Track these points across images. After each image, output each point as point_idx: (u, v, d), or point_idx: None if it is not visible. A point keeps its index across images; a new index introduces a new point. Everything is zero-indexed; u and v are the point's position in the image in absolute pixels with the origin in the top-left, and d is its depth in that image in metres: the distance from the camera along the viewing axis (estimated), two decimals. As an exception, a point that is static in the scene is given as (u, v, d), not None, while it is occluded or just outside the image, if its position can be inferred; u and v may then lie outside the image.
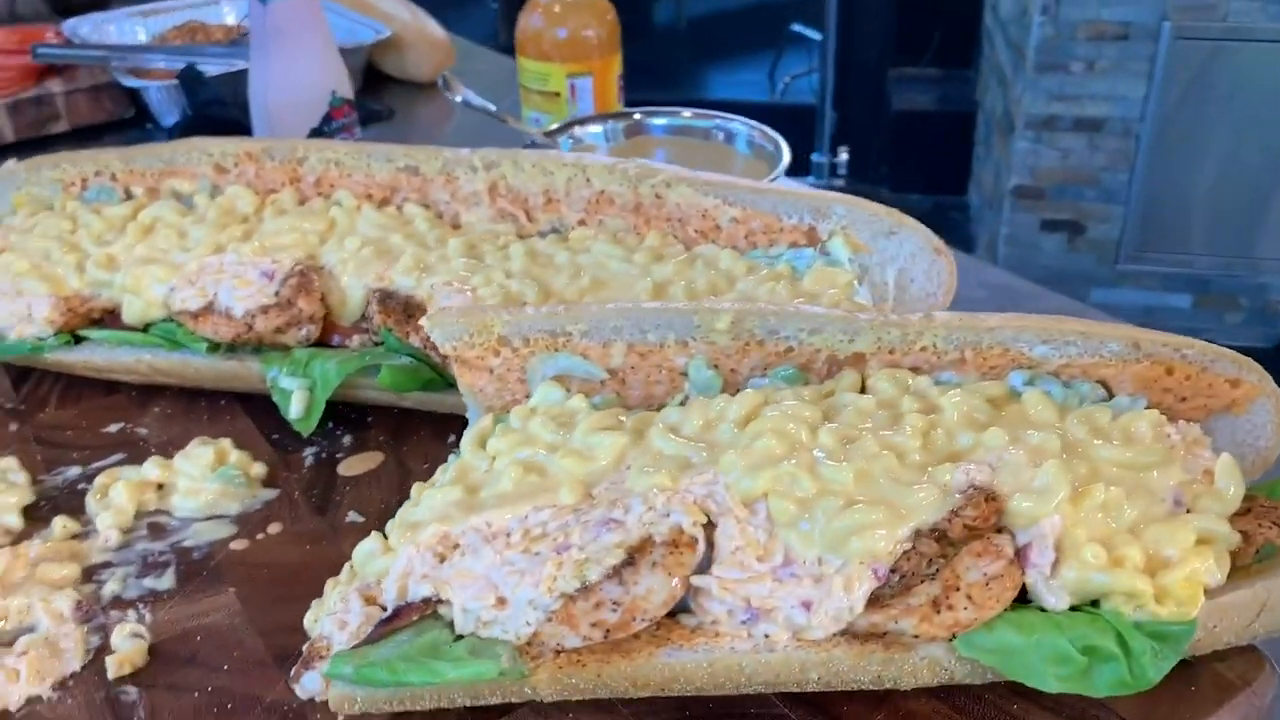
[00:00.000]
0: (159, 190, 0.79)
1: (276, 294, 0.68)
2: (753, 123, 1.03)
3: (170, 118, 1.28)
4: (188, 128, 1.27)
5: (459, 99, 1.06)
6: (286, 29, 0.92)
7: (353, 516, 0.60)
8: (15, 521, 0.59)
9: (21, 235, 0.74)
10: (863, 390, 0.54)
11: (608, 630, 0.46)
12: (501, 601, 0.46)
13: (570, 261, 0.69)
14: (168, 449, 0.65)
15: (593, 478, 0.50)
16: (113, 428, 0.67)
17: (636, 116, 1.06)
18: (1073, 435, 0.50)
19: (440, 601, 0.47)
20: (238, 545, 0.58)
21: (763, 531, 0.47)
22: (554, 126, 1.03)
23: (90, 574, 0.56)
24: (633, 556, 0.46)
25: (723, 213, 0.71)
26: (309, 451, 0.65)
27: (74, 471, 0.63)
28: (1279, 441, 0.55)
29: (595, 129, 1.04)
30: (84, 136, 1.33)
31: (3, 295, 0.70)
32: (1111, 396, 0.54)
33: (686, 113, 1.06)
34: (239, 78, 1.28)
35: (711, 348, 0.56)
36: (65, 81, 1.32)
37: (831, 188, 3.23)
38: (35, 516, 0.60)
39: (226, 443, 0.63)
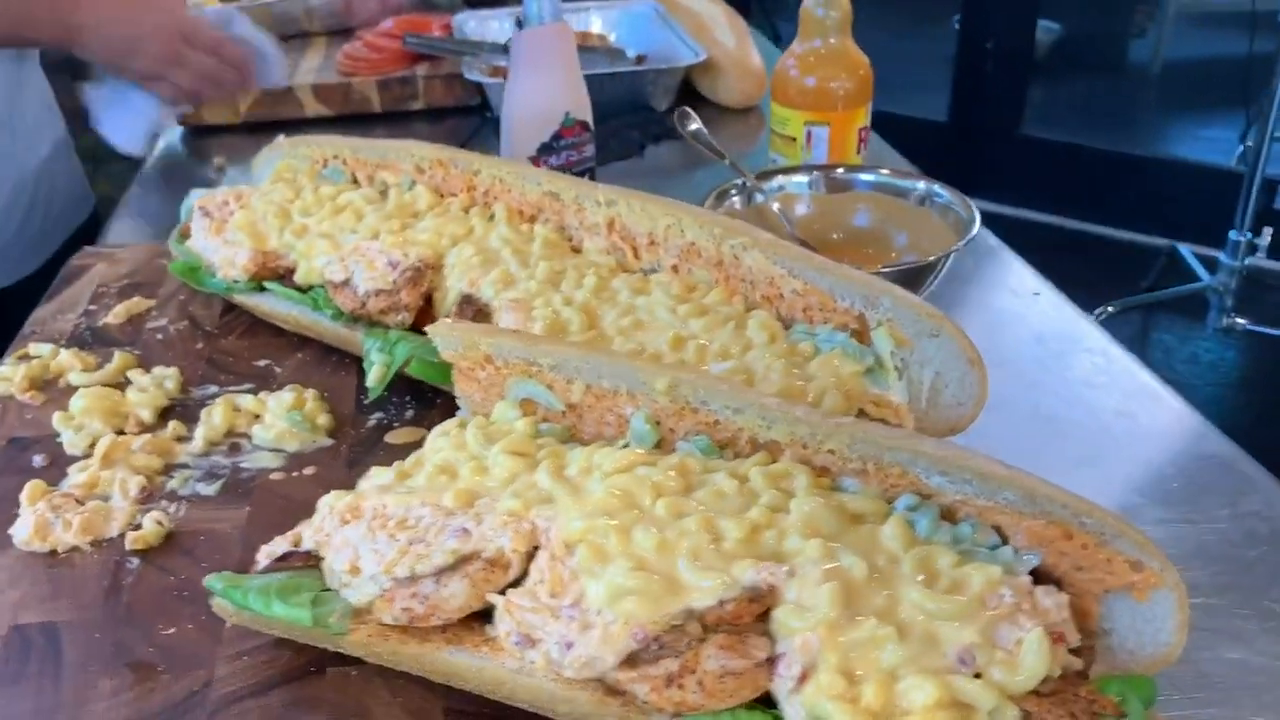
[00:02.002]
0: (373, 179, 0.95)
1: (393, 282, 0.80)
2: (950, 189, 1.02)
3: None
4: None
5: (692, 127, 1.14)
6: (533, 54, 1.05)
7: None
8: (148, 416, 0.76)
9: (259, 196, 0.93)
10: (767, 476, 0.57)
11: (412, 617, 0.53)
12: (355, 570, 0.55)
13: (628, 301, 0.75)
14: (289, 385, 0.80)
15: (481, 491, 0.57)
16: (261, 363, 0.84)
17: (840, 171, 1.08)
18: (899, 568, 0.49)
19: (321, 558, 0.57)
20: (276, 476, 0.71)
21: (569, 572, 0.52)
22: (765, 170, 1.08)
23: (169, 469, 0.72)
24: (457, 564, 0.53)
25: (786, 283, 0.74)
26: (375, 417, 0.77)
27: (212, 389, 0.80)
28: (1181, 640, 0.50)
29: (801, 179, 1.08)
30: (434, 116, 1.56)
31: (226, 242, 0.89)
32: (1005, 543, 0.52)
33: (886, 171, 1.06)
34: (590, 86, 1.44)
35: (654, 405, 0.61)
36: (430, 68, 1.56)
37: (1246, 271, 2.89)
38: (166, 416, 0.77)
39: (311, 392, 0.77)
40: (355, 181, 0.95)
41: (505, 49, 1.10)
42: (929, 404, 0.70)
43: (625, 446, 0.61)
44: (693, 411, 0.60)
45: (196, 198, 0.95)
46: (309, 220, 0.89)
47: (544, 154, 1.07)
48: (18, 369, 0.81)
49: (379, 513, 0.57)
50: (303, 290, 0.86)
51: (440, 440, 0.62)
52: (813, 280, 0.73)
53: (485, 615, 0.54)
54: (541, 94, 1.06)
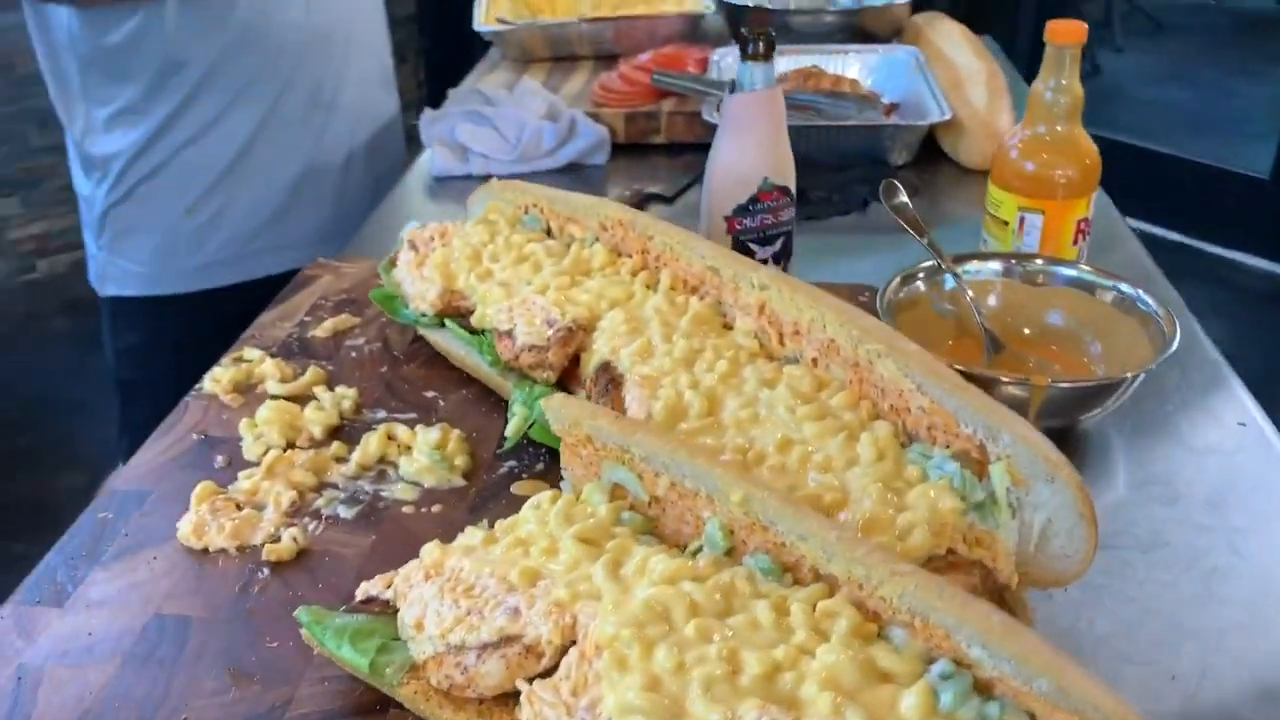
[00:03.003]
0: (564, 231, 1.00)
1: (546, 339, 0.85)
2: (1154, 298, 0.95)
3: (729, 153, 1.50)
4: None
5: (896, 200, 1.12)
6: (739, 119, 1.07)
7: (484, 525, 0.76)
8: (318, 433, 0.85)
9: (460, 236, 1.00)
10: (818, 609, 0.56)
11: (453, 685, 0.57)
12: (420, 626, 0.60)
13: (752, 392, 0.76)
14: (445, 421, 0.87)
15: (544, 572, 0.61)
16: (429, 394, 0.91)
17: (1040, 263, 1.03)
18: (905, 742, 0.48)
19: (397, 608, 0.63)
20: (407, 509, 0.78)
21: (593, 674, 0.54)
22: (962, 255, 1.05)
23: (321, 487, 0.80)
24: (500, 643, 0.57)
25: (914, 398, 0.72)
26: (508, 464, 0.82)
27: (381, 414, 0.88)
28: None
29: (996, 266, 1.04)
30: (674, 150, 1.60)
31: (423, 277, 0.97)
32: (1038, 734, 0.50)
33: (1089, 268, 1.00)
34: (802, 137, 1.45)
35: (729, 513, 0.62)
36: (675, 104, 1.61)
37: None
38: (336, 435, 0.86)
39: (456, 433, 0.83)
40: (549, 232, 1.01)
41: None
42: (1038, 550, 0.67)
43: (699, 550, 0.62)
44: (762, 529, 0.60)
45: (410, 229, 1.04)
46: (495, 266, 0.95)
47: (739, 215, 1.09)
48: (228, 371, 0.92)
49: (455, 574, 0.62)
50: (476, 332, 0.92)
51: (529, 511, 0.66)
52: (939, 400, 0.71)
53: (519, 697, 0.58)
54: (742, 157, 1.08)
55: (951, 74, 1.61)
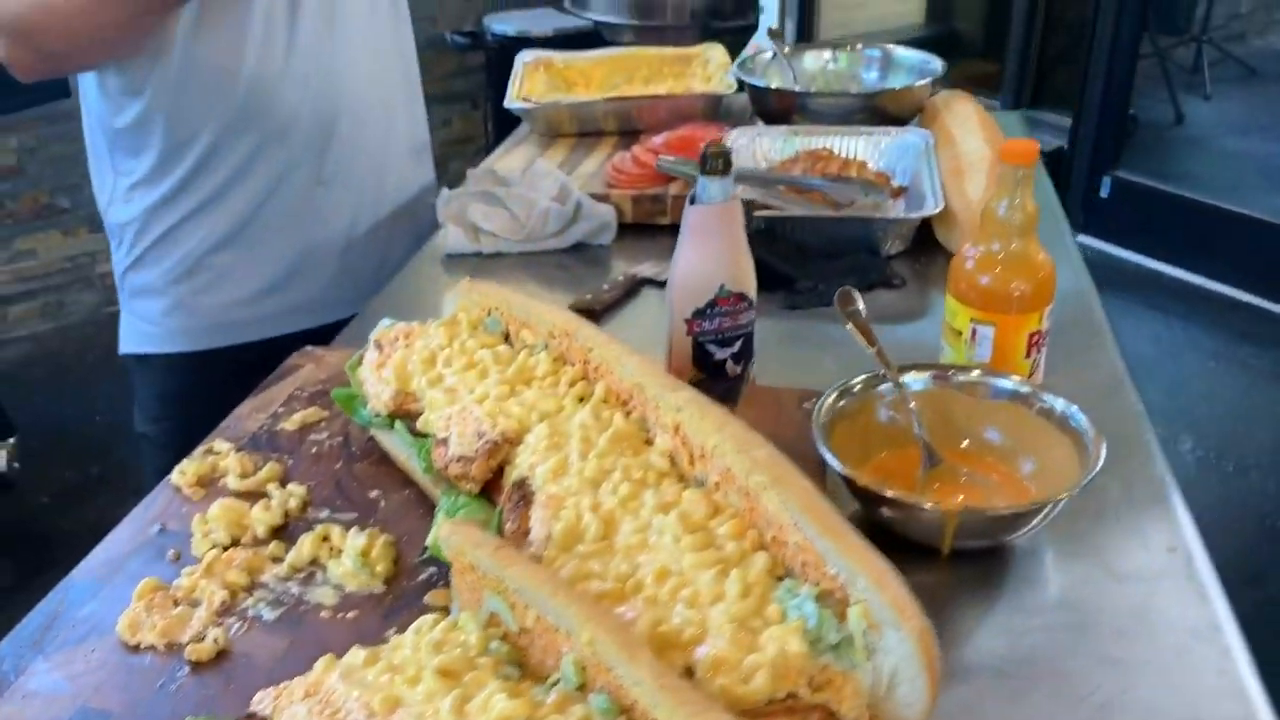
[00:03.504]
0: (519, 336, 1.05)
1: (475, 451, 0.90)
2: (1088, 419, 0.96)
3: (726, 239, 1.54)
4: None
5: (851, 308, 1.15)
6: (697, 229, 1.11)
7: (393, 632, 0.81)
8: (262, 533, 0.91)
9: (422, 338, 1.06)
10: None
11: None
12: (284, 744, 0.65)
13: (647, 518, 0.80)
14: (382, 523, 0.92)
15: (404, 702, 0.65)
16: (373, 493, 0.97)
17: (977, 374, 1.05)
18: None
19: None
20: (325, 614, 0.83)
21: (419, 809, 0.59)
22: (908, 365, 1.07)
23: (253, 587, 0.86)
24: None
25: (791, 533, 0.76)
26: (428, 572, 0.87)
27: (325, 514, 0.94)
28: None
29: (921, 376, 1.06)
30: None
31: (382, 378, 1.03)
32: None
33: (1025, 384, 1.02)
34: (796, 226, 1.49)
35: (580, 651, 0.66)
36: (681, 187, 1.66)
37: None
38: (280, 533, 0.92)
39: (384, 538, 0.89)
40: (506, 337, 1.07)
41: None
42: (887, 694, 0.69)
43: (557, 683, 0.67)
44: (605, 669, 0.64)
45: (379, 329, 1.10)
46: (447, 370, 1.01)
47: (698, 318, 1.13)
48: (194, 464, 1.00)
49: (328, 694, 0.67)
50: (422, 436, 0.98)
51: (410, 635, 0.71)
52: (811, 539, 0.74)
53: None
54: (700, 265, 1.12)
55: (953, 161, 1.62)
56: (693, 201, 1.11)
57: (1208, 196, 4.24)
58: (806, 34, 5.56)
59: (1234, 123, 5.58)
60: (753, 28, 4.04)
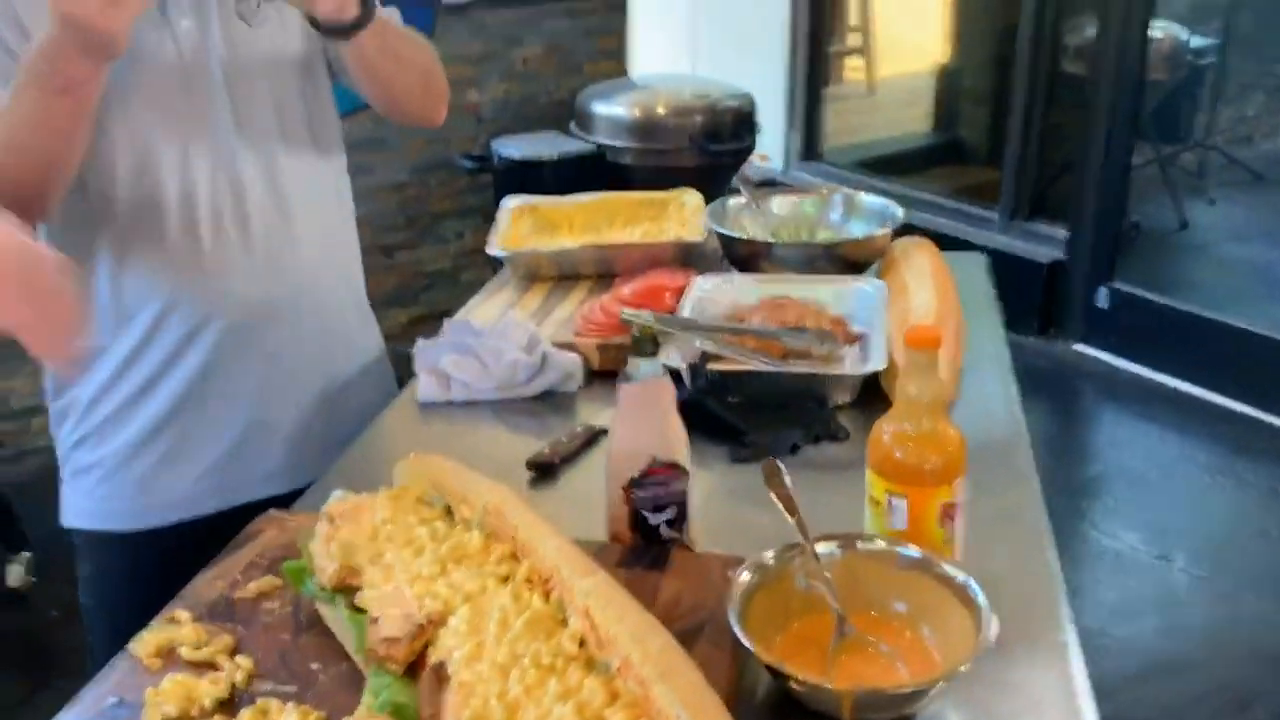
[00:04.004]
0: (458, 512, 1.13)
1: (401, 632, 0.98)
2: (980, 593, 1.03)
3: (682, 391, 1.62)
4: (681, 405, 1.59)
5: (778, 479, 1.22)
6: (630, 404, 1.20)
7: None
8: (208, 705, 0.98)
9: (369, 512, 1.14)
10: None
11: None
12: None
13: (550, 704, 0.86)
14: (318, 698, 0.99)
15: None
16: (314, 665, 1.04)
17: (881, 543, 1.12)
18: None
19: None
20: (256, 793, 0.90)
21: None
22: (828, 535, 1.14)
23: (193, 762, 0.93)
24: None
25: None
26: (355, 749, 0.94)
27: (267, 686, 1.01)
28: None
29: (834, 546, 1.13)
30: (642, 381, 1.73)
31: (329, 552, 1.11)
32: None
33: (924, 556, 1.09)
34: (746, 379, 1.57)
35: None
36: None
37: None
38: (224, 707, 0.99)
39: (315, 715, 0.96)
40: (448, 511, 1.15)
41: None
42: None
43: None
44: None
45: (331, 502, 1.19)
46: (388, 546, 1.09)
47: (634, 486, 1.21)
48: (155, 634, 1.07)
49: None
50: (360, 612, 1.05)
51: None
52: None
53: None
54: (633, 438, 1.20)
55: (904, 314, 1.71)
56: (626, 380, 1.20)
57: (1207, 306, 4.30)
58: (811, 149, 5.72)
59: (1237, 229, 5.66)
60: (750, 149, 4.19)
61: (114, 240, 1.52)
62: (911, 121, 6.35)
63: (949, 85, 6.08)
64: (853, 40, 6.34)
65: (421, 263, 4.40)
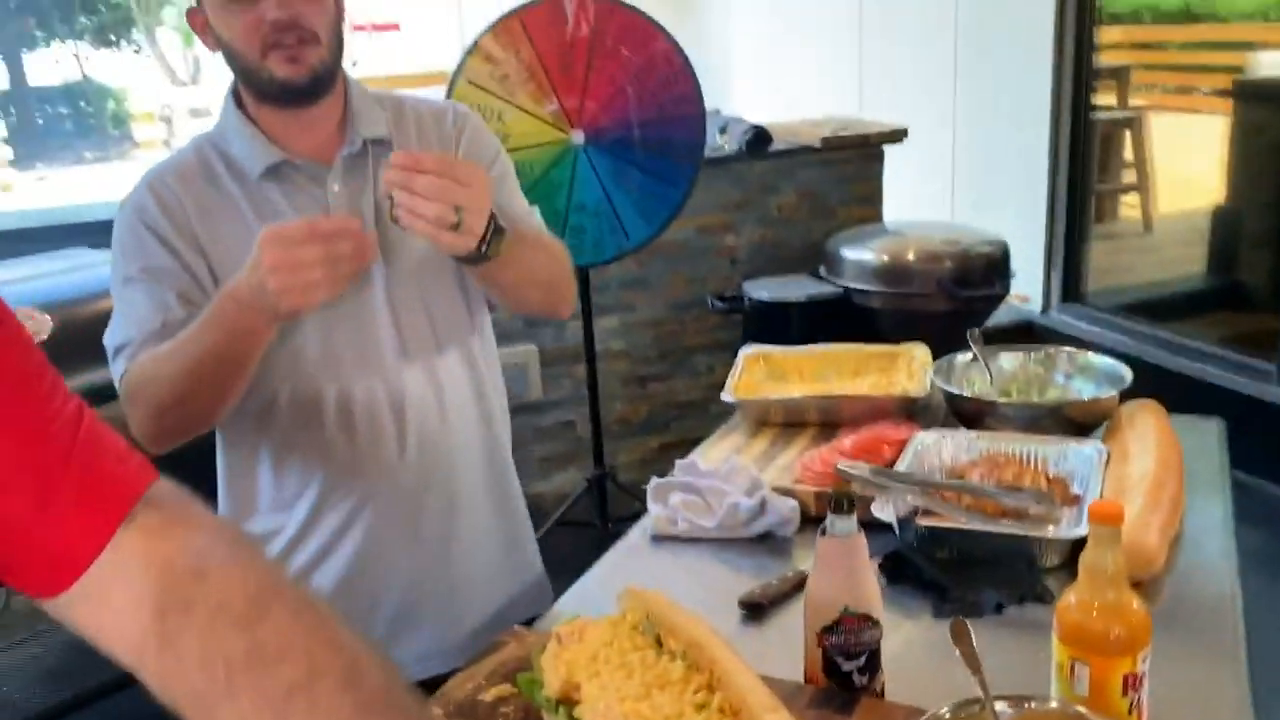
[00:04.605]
0: (666, 642, 1.29)
1: (608, 744, 1.13)
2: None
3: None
4: (891, 557, 1.68)
5: (960, 639, 1.30)
6: (825, 557, 1.33)
7: None
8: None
9: (593, 633, 1.31)
10: None
11: None
12: None
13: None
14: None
15: None
16: (536, 767, 1.21)
17: (1054, 706, 1.17)
18: None
19: None
20: None
21: None
22: (1003, 694, 1.21)
23: (431, 837, 1.11)
24: None
25: None
26: (562, 842, 1.09)
27: (496, 780, 1.19)
28: None
29: (1011, 708, 1.19)
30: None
31: (555, 669, 1.29)
32: None
33: (1093, 716, 1.13)
34: (957, 535, 1.65)
35: None
36: (860, 488, 1.85)
37: None
38: (459, 793, 1.17)
39: (531, 811, 1.12)
40: (658, 640, 1.30)
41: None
42: None
43: None
44: None
45: (561, 623, 1.37)
46: (604, 668, 1.25)
47: (827, 633, 1.33)
48: (410, 725, 1.28)
49: None
50: (578, 723, 1.22)
51: None
52: None
53: None
54: (827, 589, 1.32)
55: (1120, 481, 1.74)
56: (823, 533, 1.33)
57: None
58: (1073, 291, 5.62)
59: None
60: (1001, 296, 4.20)
61: (275, 438, 1.65)
62: (1185, 263, 6.11)
63: (1228, 226, 5.83)
64: (1127, 177, 6.21)
65: (674, 393, 4.64)
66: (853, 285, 4.16)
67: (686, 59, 3.64)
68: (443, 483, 1.74)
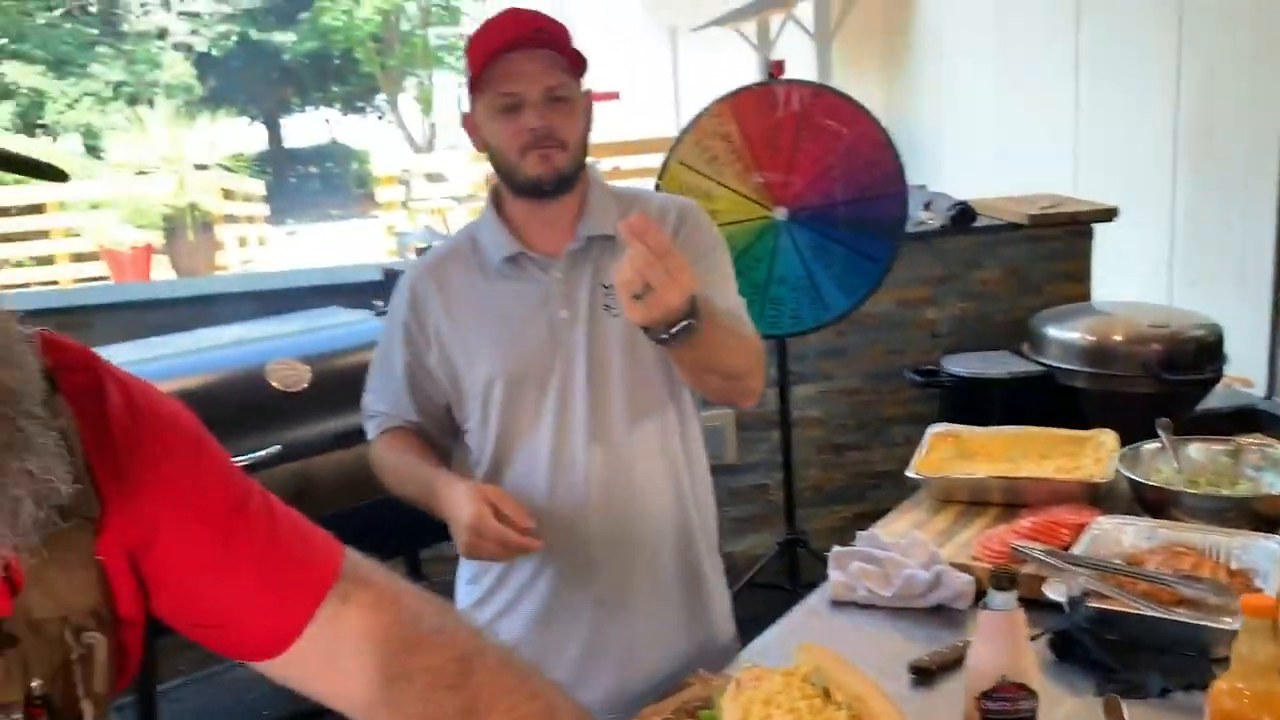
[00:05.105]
0: (834, 692, 1.42)
1: (774, 778, 1.28)
2: None
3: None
4: (1060, 635, 1.75)
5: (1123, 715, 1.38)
6: (985, 629, 1.44)
7: None
8: (632, 806, 1.34)
9: (769, 681, 1.47)
10: None
11: None
12: None
13: None
14: (711, 818, 1.31)
15: None
16: (711, 794, 1.37)
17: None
18: None
19: None
20: None
21: None
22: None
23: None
24: None
25: None
26: None
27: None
28: None
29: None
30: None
31: (730, 711, 1.44)
32: None
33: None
34: (1128, 619, 1.70)
35: None
36: (1036, 569, 1.93)
37: None
38: (643, 809, 1.34)
39: (705, 830, 1.28)
40: (826, 692, 1.44)
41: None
42: None
43: None
44: None
45: (741, 669, 1.53)
46: (775, 712, 1.40)
47: (985, 698, 1.44)
48: (603, 748, 1.46)
49: None
50: (747, 760, 1.37)
51: None
52: None
53: None
54: (986, 657, 1.43)
55: (1301, 575, 1.75)
56: (985, 606, 1.44)
57: None
58: (1302, 381, 5.34)
59: None
60: (1212, 380, 4.09)
61: None
62: None
63: None
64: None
65: (869, 463, 4.71)
66: (1056, 364, 4.14)
67: (890, 139, 3.78)
68: (625, 550, 1.90)
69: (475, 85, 1.80)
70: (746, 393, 1.92)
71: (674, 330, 1.61)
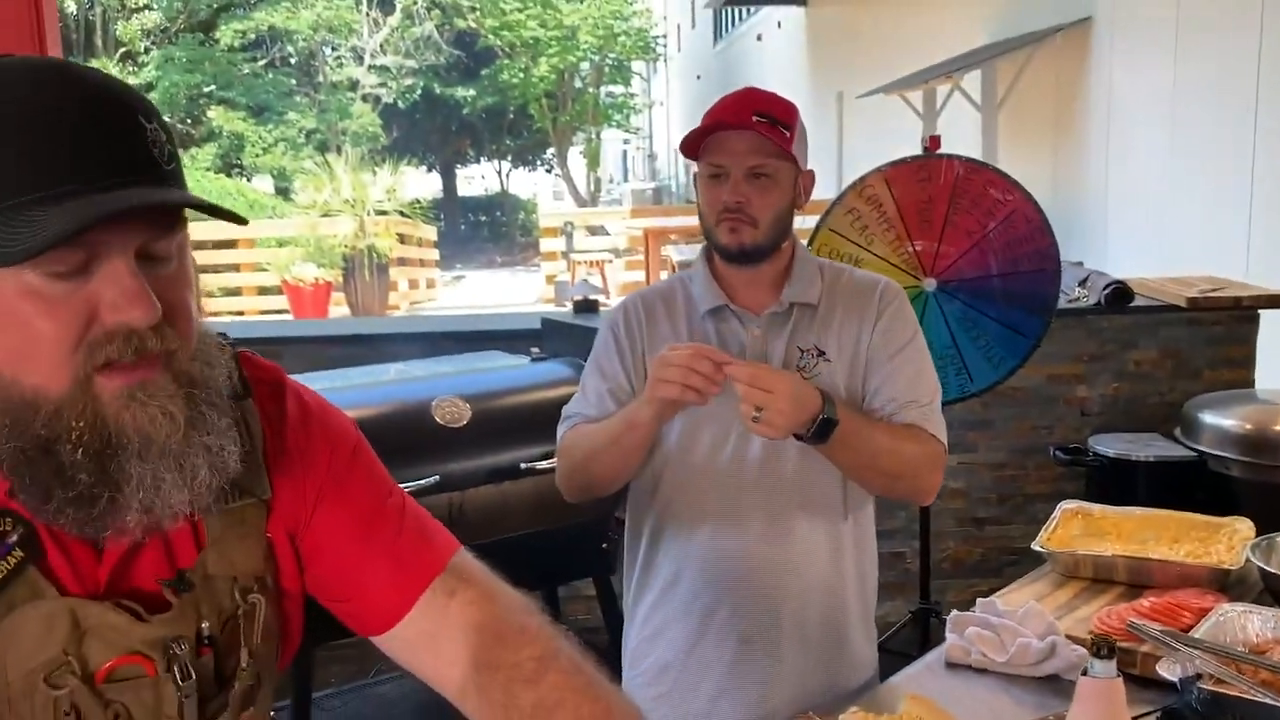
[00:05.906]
0: (932, 741, 1.50)
1: (867, 812, 1.37)
2: None
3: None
4: (1169, 712, 1.77)
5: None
6: (1082, 693, 1.50)
7: None
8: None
9: None
10: None
11: None
12: None
13: None
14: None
15: None
16: (808, 824, 1.46)
17: None
18: None
19: None
20: None
21: None
22: None
23: None
24: None
25: None
26: None
27: (774, 828, 1.45)
28: None
29: None
30: (1141, 684, 1.92)
31: (835, 747, 1.54)
32: None
33: None
34: (1241, 705, 1.72)
35: None
36: (1153, 648, 1.95)
37: None
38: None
39: None
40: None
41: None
42: None
43: None
44: None
45: (848, 713, 1.62)
46: (876, 754, 1.49)
47: (1083, 773, 1.49)
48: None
49: None
50: (845, 794, 1.47)
51: None
52: None
53: None
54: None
55: None
56: (1084, 673, 1.50)
57: None
58: None
59: None
60: (1377, 477, 3.92)
61: (646, 543, 2.04)
62: None
63: None
64: None
65: (1010, 538, 4.66)
66: (1209, 450, 4.04)
67: (1044, 216, 3.80)
68: (771, 615, 2.00)
69: (699, 152, 1.97)
70: (914, 492, 2.05)
71: (808, 432, 1.78)
